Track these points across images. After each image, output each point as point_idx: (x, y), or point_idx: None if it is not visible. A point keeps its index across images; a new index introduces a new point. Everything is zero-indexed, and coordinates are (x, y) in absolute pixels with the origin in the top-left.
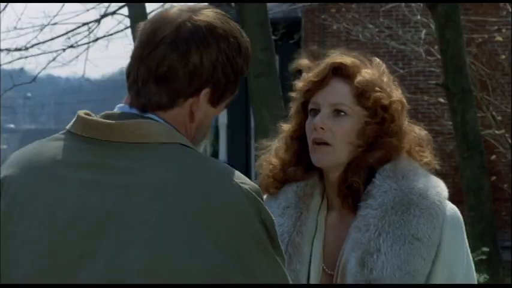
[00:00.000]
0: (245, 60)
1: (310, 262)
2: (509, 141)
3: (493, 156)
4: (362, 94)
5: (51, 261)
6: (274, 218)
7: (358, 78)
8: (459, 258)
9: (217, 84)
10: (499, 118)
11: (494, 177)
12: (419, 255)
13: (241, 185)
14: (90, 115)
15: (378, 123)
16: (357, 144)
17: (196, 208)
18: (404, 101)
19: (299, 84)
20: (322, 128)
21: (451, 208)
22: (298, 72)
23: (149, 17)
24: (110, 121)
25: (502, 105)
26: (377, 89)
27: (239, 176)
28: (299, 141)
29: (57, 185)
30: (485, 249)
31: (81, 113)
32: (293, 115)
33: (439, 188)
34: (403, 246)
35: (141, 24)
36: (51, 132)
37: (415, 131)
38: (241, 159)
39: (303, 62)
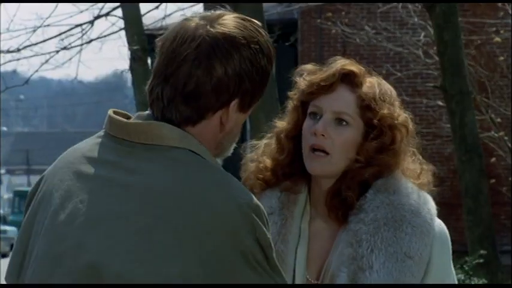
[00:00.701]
0: (269, 60)
1: (294, 271)
2: (509, 144)
3: (492, 159)
4: (367, 107)
5: (50, 249)
6: (270, 238)
7: (365, 89)
8: (447, 274)
9: (246, 92)
10: (498, 120)
11: (493, 181)
12: (410, 273)
13: (238, 199)
14: (126, 115)
15: (379, 140)
16: (354, 156)
17: (186, 218)
18: (410, 126)
19: (302, 83)
20: (323, 135)
21: (439, 224)
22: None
23: (144, 19)
24: (128, 121)
25: (501, 107)
26: (383, 104)
27: (239, 191)
28: (294, 141)
29: (76, 179)
30: (482, 251)
31: (111, 111)
32: (289, 113)
33: (430, 204)
34: (395, 264)
35: (161, 39)
36: (43, 135)
37: (417, 159)
38: (237, 162)
39: (307, 66)
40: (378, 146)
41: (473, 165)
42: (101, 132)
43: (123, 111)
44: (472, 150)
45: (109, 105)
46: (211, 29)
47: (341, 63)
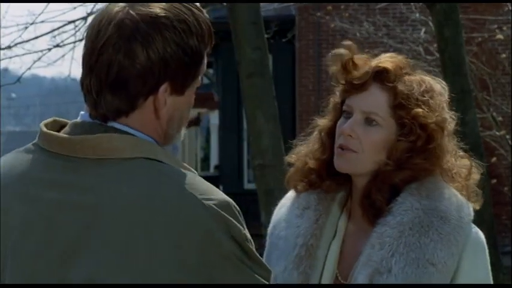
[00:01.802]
0: (200, 39)
1: (323, 267)
2: (510, 142)
3: (494, 159)
4: (399, 106)
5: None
6: (245, 232)
7: (400, 87)
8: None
9: (174, 75)
10: (500, 119)
11: (494, 180)
12: (430, 281)
13: (205, 201)
14: (57, 122)
15: (411, 141)
16: (384, 157)
17: (158, 228)
18: (448, 126)
19: (340, 79)
20: (350, 136)
21: (475, 233)
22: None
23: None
24: (71, 136)
25: (503, 105)
26: (419, 103)
27: (205, 191)
28: (334, 139)
29: (27, 206)
30: None
31: (43, 126)
32: (330, 111)
33: (463, 212)
34: (415, 270)
35: (87, 27)
36: (36, 135)
37: (457, 160)
38: (234, 162)
39: (359, 58)
40: (408, 146)
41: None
42: (31, 146)
43: (52, 120)
44: (473, 150)
45: None
46: (132, 11)
47: (378, 60)
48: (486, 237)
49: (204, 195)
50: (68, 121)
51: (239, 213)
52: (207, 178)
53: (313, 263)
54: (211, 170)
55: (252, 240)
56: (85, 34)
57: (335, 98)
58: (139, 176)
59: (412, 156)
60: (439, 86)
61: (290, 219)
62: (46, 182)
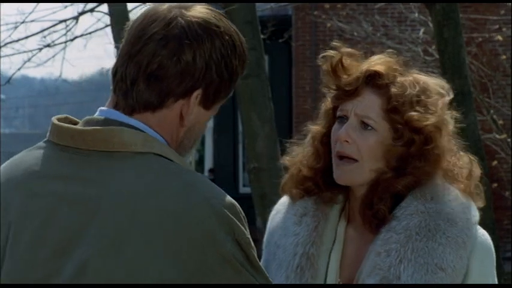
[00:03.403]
0: (240, 61)
1: (326, 275)
2: (511, 146)
3: (494, 162)
4: (393, 110)
5: (19, 279)
6: (249, 236)
7: (393, 90)
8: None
9: (210, 84)
10: (500, 122)
11: (495, 185)
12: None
13: (211, 200)
14: (68, 118)
15: (405, 144)
16: (383, 165)
17: (159, 224)
18: (448, 126)
19: (331, 84)
20: (346, 141)
21: (482, 234)
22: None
23: (131, 14)
24: (82, 128)
25: (504, 108)
26: (413, 105)
27: (211, 191)
28: (329, 146)
29: (28, 198)
30: None
31: (54, 119)
32: (322, 117)
33: (470, 213)
34: (425, 275)
35: (131, 21)
36: (26, 137)
37: (457, 159)
38: (229, 165)
39: (347, 59)
40: (403, 151)
41: None
42: (42, 143)
43: (64, 116)
44: (474, 153)
45: (94, 105)
46: (186, 12)
47: (368, 63)
48: None
49: (211, 195)
50: (79, 120)
51: (243, 218)
52: None
53: (315, 273)
54: (206, 173)
55: (254, 247)
56: (129, 25)
57: (327, 103)
58: (147, 171)
59: (411, 160)
60: (437, 86)
61: (287, 227)
62: (50, 174)
